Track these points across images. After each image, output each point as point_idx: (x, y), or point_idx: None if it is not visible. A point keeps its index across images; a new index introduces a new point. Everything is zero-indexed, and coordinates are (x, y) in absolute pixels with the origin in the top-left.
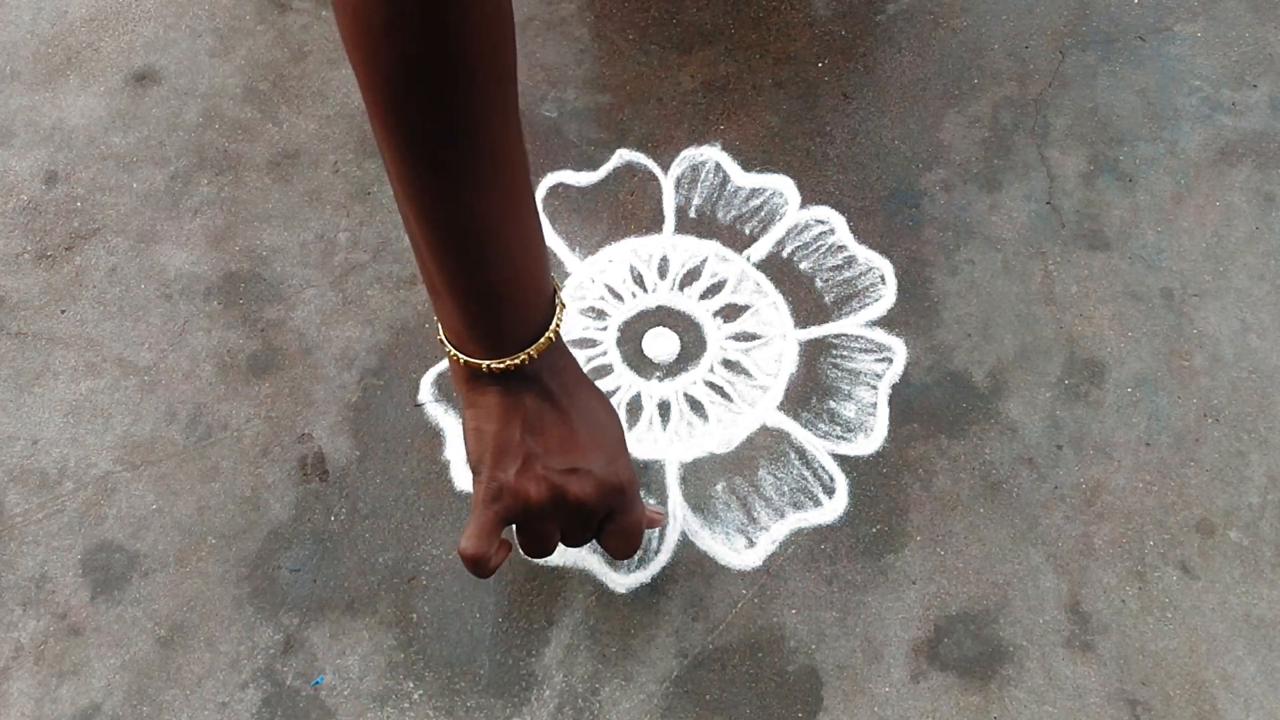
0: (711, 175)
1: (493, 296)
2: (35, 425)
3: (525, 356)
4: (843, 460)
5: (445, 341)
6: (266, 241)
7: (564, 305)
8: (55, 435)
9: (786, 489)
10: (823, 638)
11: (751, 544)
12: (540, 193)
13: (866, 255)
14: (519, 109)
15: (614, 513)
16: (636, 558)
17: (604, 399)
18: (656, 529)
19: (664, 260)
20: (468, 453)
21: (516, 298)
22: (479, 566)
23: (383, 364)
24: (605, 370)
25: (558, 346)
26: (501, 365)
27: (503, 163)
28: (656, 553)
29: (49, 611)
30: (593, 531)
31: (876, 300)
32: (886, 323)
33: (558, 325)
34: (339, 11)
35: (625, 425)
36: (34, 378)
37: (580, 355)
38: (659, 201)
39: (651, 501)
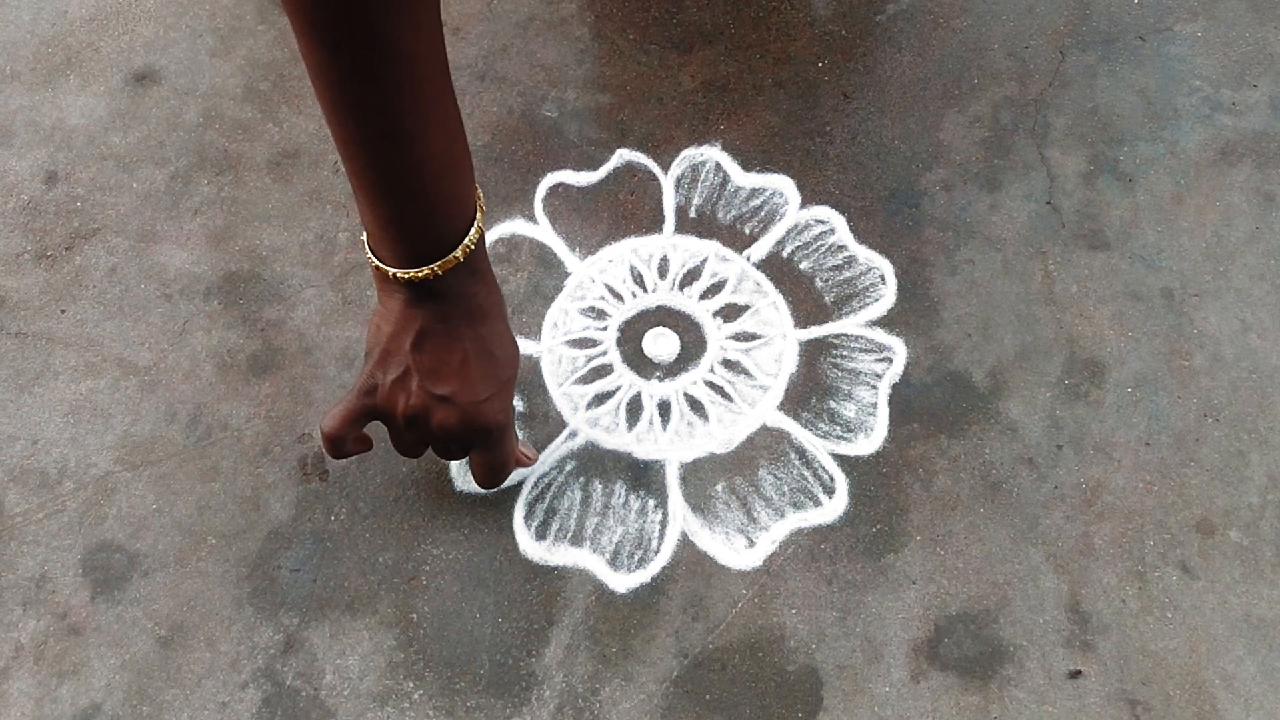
0: (711, 175)
1: (399, 201)
2: (35, 425)
3: (429, 271)
4: (843, 460)
5: (365, 241)
6: (266, 241)
7: (482, 231)
8: (55, 435)
9: (786, 489)
10: (823, 638)
11: (751, 544)
12: (540, 193)
13: (866, 255)
14: (440, 21)
15: (479, 447)
16: (636, 560)
17: (506, 338)
18: (657, 532)
19: (664, 260)
20: (367, 339)
21: (422, 207)
22: (332, 445)
23: None
24: (605, 370)
25: (469, 271)
26: (405, 275)
27: (412, 65)
28: (656, 553)
29: (49, 611)
30: (460, 455)
31: (876, 300)
32: (886, 323)
33: (468, 248)
34: None
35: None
36: (34, 378)
37: (580, 355)
38: (659, 201)
39: (521, 437)
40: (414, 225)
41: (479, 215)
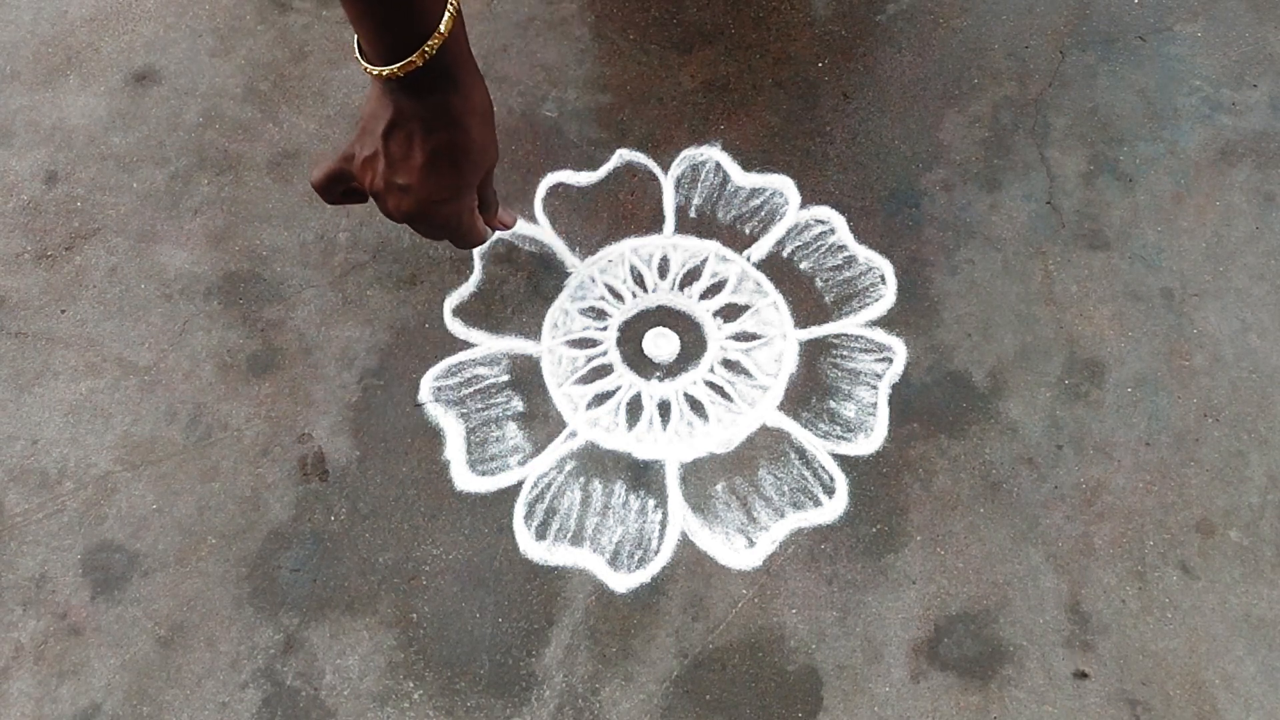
0: (711, 175)
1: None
2: (35, 425)
3: (390, 72)
4: (843, 460)
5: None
6: (266, 241)
7: (449, 38)
8: (55, 435)
9: (786, 489)
10: (823, 638)
11: (751, 544)
12: (540, 192)
13: (866, 255)
14: None
15: (434, 235)
16: (636, 560)
17: (479, 145)
18: (657, 531)
19: (664, 260)
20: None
21: (379, 7)
22: (320, 194)
23: (383, 364)
24: (605, 370)
25: (436, 74)
26: (372, 71)
27: None
28: (656, 553)
29: (49, 611)
30: (427, 234)
31: (876, 300)
32: (886, 323)
33: (425, 53)
34: None
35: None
36: (34, 378)
37: (580, 355)
38: (659, 201)
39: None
40: (374, 23)
41: (446, 21)
